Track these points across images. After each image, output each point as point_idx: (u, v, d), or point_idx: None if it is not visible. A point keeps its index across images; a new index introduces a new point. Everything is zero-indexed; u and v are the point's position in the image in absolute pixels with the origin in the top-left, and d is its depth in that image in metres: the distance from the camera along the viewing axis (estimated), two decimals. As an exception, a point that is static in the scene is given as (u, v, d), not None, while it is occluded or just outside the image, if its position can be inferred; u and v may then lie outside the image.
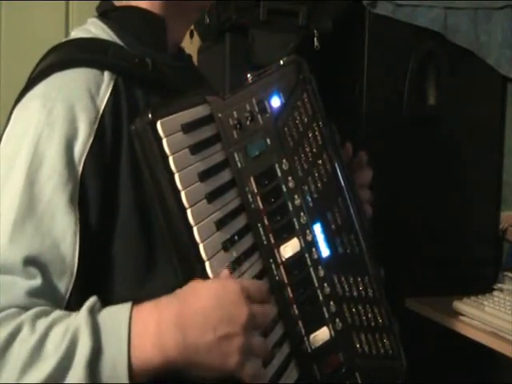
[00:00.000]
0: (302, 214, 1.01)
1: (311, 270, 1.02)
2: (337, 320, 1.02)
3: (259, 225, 1.01)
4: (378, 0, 1.94)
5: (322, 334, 1.02)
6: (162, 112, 0.93)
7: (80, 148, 0.93)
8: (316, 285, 1.02)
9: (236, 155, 1.01)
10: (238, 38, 1.94)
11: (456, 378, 1.97)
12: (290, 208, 1.01)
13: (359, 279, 1.02)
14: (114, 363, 0.82)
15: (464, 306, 1.77)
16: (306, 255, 1.02)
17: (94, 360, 0.81)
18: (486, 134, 2.11)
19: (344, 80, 2.02)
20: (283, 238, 1.01)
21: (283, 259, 1.01)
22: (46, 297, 0.87)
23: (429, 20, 1.97)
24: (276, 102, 1.00)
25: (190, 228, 0.93)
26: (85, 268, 0.91)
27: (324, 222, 1.01)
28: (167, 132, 0.92)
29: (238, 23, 1.92)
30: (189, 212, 0.92)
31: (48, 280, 0.88)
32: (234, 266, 0.95)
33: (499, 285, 1.92)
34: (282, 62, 1.01)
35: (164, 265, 0.95)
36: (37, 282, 0.87)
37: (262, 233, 1.01)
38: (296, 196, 1.01)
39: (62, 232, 0.90)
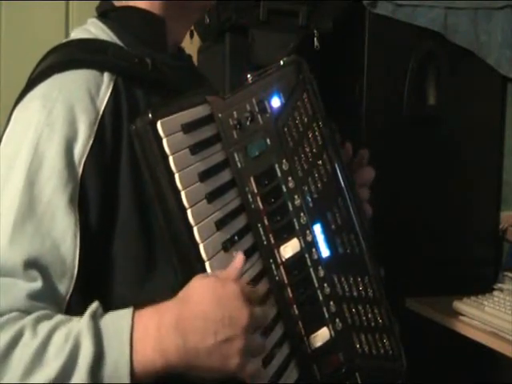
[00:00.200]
0: (301, 214, 1.01)
1: (311, 270, 1.02)
2: (337, 320, 1.02)
3: (259, 225, 1.01)
4: (377, 0, 1.94)
5: (322, 334, 1.02)
6: (162, 112, 0.93)
7: (80, 149, 0.93)
8: (316, 285, 1.02)
9: (236, 155, 1.01)
10: (238, 38, 1.94)
11: (456, 378, 1.97)
12: (290, 208, 1.01)
13: (359, 279, 1.02)
14: (116, 367, 0.82)
15: (464, 305, 1.77)
16: (306, 255, 1.02)
17: (97, 365, 0.81)
18: (486, 134, 2.11)
19: (344, 80, 2.02)
20: (283, 239, 1.01)
21: (283, 259, 1.01)
22: (47, 299, 0.87)
23: (429, 20, 1.97)
24: (276, 102, 1.00)
25: (190, 228, 0.93)
26: (85, 269, 0.91)
27: (324, 222, 1.01)
28: (167, 132, 0.92)
29: (237, 23, 1.92)
30: (189, 212, 0.93)
31: (48, 282, 0.88)
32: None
33: (499, 285, 1.92)
34: (281, 62, 1.01)
35: (164, 265, 0.95)
36: (37, 284, 0.87)
37: (262, 233, 1.01)
38: (296, 196, 1.01)
39: (62, 233, 0.90)
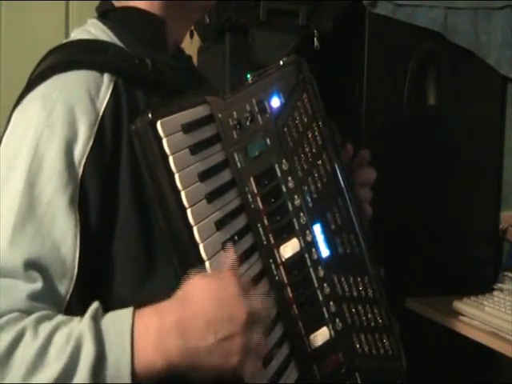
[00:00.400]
0: (301, 214, 1.01)
1: (311, 270, 1.02)
2: (337, 320, 1.02)
3: (259, 225, 1.01)
4: (378, 0, 1.94)
5: (322, 334, 1.02)
6: (162, 112, 0.93)
7: (80, 150, 0.93)
8: (316, 285, 1.02)
9: (236, 155, 1.01)
10: (238, 37, 1.94)
11: (456, 378, 1.97)
12: (290, 208, 1.01)
13: (359, 279, 1.02)
14: (118, 368, 0.82)
15: (464, 305, 1.77)
16: (306, 255, 1.02)
17: (98, 365, 0.81)
18: (486, 134, 2.11)
19: (344, 80, 2.02)
20: (283, 238, 1.01)
21: (283, 259, 1.01)
22: (47, 300, 0.87)
23: (429, 20, 1.97)
24: (276, 102, 1.00)
25: (190, 228, 0.93)
26: (85, 269, 0.91)
27: (324, 222, 1.01)
28: (167, 132, 0.92)
29: (238, 23, 1.92)
30: (189, 212, 0.93)
31: (49, 283, 0.88)
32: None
33: (499, 285, 1.92)
34: (281, 63, 1.01)
35: (164, 265, 0.95)
36: (38, 285, 0.87)
37: (261, 233, 1.01)
38: (296, 196, 1.01)
39: (63, 234, 0.90)
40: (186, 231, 0.93)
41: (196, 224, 0.93)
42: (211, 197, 0.96)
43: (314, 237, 1.01)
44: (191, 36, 2.04)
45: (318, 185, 1.01)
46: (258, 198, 1.01)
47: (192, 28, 1.99)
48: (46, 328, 0.83)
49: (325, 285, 1.02)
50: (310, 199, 1.01)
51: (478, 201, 2.10)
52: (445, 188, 2.03)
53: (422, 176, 2.00)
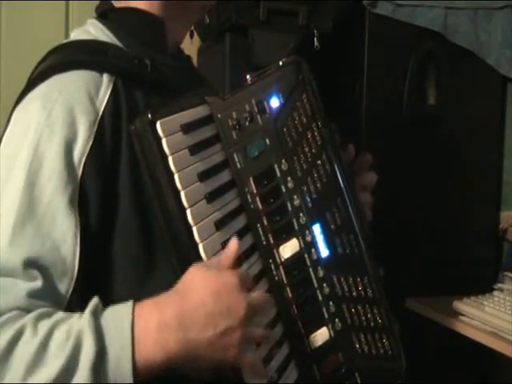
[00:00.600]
0: (301, 214, 1.01)
1: (310, 270, 1.02)
2: (336, 320, 1.02)
3: (258, 225, 1.01)
4: (377, 0, 1.94)
5: (322, 335, 1.02)
6: (161, 112, 0.93)
7: (80, 150, 0.93)
8: (315, 285, 1.02)
9: (235, 156, 1.01)
10: (238, 38, 1.94)
11: (456, 378, 1.97)
12: (290, 208, 1.01)
13: (359, 279, 1.02)
14: (118, 364, 0.83)
15: (464, 305, 1.77)
16: (306, 255, 1.02)
17: (99, 361, 0.82)
18: (486, 134, 2.10)
19: (344, 80, 2.02)
20: (282, 239, 1.01)
21: (282, 259, 1.01)
22: (47, 298, 0.88)
23: (429, 20, 1.97)
24: (275, 102, 1.00)
25: (190, 228, 0.93)
26: (85, 269, 0.91)
27: (323, 222, 1.01)
28: (167, 132, 0.92)
29: (238, 23, 1.92)
30: (188, 212, 0.93)
31: (49, 282, 0.88)
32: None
33: (499, 285, 1.92)
34: (281, 63, 1.01)
35: (163, 265, 0.95)
36: (37, 283, 0.87)
37: (261, 233, 1.01)
38: (295, 196, 1.01)
39: (63, 234, 0.90)
40: (185, 231, 0.93)
41: (196, 224, 0.93)
42: (211, 197, 0.96)
43: (313, 237, 1.02)
44: (191, 36, 2.04)
45: (318, 185, 1.01)
46: (258, 199, 1.01)
47: (192, 28, 1.99)
48: (45, 325, 0.83)
49: (324, 285, 1.02)
50: (309, 199, 1.01)
51: (478, 201, 2.10)
52: (445, 188, 2.03)
53: (422, 176, 2.00)
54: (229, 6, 1.91)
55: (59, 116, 0.93)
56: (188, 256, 0.93)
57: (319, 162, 1.01)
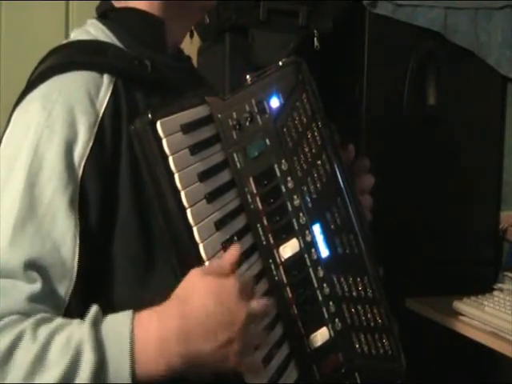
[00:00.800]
0: (301, 214, 1.01)
1: (310, 270, 1.02)
2: (336, 320, 1.02)
3: (258, 225, 1.01)
4: (378, 0, 1.94)
5: (322, 335, 1.02)
6: (161, 112, 0.93)
7: (80, 151, 0.93)
8: (315, 285, 1.02)
9: (235, 156, 1.01)
10: (238, 37, 1.94)
11: (456, 378, 1.97)
12: (290, 208, 1.01)
13: (358, 279, 1.02)
14: (117, 377, 0.83)
15: (464, 305, 1.77)
16: (306, 255, 1.02)
17: (98, 374, 0.82)
18: (486, 134, 2.10)
19: (344, 80, 2.02)
20: (282, 239, 1.01)
21: (282, 259, 1.01)
22: (47, 301, 0.87)
23: (429, 20, 1.97)
24: (275, 102, 1.00)
25: (190, 228, 0.93)
26: (85, 270, 0.91)
27: (323, 222, 1.01)
28: (167, 132, 0.92)
29: (238, 23, 1.92)
30: (188, 212, 0.93)
31: (48, 284, 0.88)
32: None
33: (499, 285, 1.92)
34: (281, 63, 1.01)
35: (163, 265, 0.95)
36: (37, 286, 0.87)
37: (261, 233, 1.01)
38: (295, 196, 1.01)
39: (63, 235, 0.90)
40: (185, 231, 0.93)
41: (196, 224, 0.93)
42: (211, 197, 0.96)
43: (313, 237, 1.02)
44: (191, 36, 2.04)
45: (318, 185, 1.01)
46: (258, 199, 1.01)
47: (192, 28, 1.99)
48: (44, 331, 0.83)
49: (324, 285, 1.02)
50: (309, 199, 1.01)
51: (478, 201, 2.10)
52: (445, 188, 2.03)
53: (422, 176, 2.00)
54: (229, 5, 1.91)
55: (59, 117, 0.93)
56: (188, 256, 0.93)
57: (319, 162, 1.01)
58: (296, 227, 1.01)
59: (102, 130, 0.95)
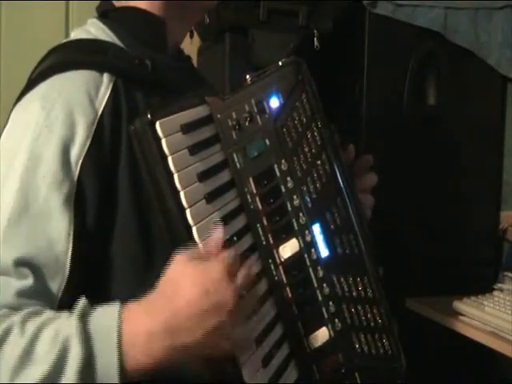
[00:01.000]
0: (300, 214, 1.01)
1: (310, 270, 1.02)
2: (336, 320, 1.02)
3: (258, 225, 1.01)
4: (378, 0, 1.94)
5: (322, 335, 1.02)
6: (161, 112, 0.93)
7: (77, 150, 0.93)
8: (315, 285, 1.02)
9: (235, 156, 1.01)
10: (238, 37, 1.94)
11: (456, 378, 1.97)
12: (289, 208, 1.01)
13: (358, 279, 1.02)
14: (105, 371, 0.83)
15: (464, 305, 1.77)
16: (305, 255, 1.02)
17: (86, 368, 0.82)
18: (486, 134, 2.10)
19: (344, 80, 2.02)
20: (282, 239, 1.01)
21: (282, 259, 1.01)
22: (38, 296, 0.88)
23: (429, 20, 1.97)
24: (275, 102, 1.00)
25: (189, 228, 0.93)
26: (80, 269, 0.91)
27: (323, 222, 1.01)
28: (166, 132, 0.92)
29: (238, 23, 1.92)
30: (188, 212, 0.93)
31: (40, 280, 0.89)
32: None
33: (499, 285, 1.92)
34: (280, 63, 1.01)
35: (162, 265, 0.94)
36: (28, 281, 0.87)
37: (261, 233, 1.01)
38: (295, 196, 1.01)
39: (56, 232, 0.90)
40: (185, 231, 0.93)
41: (195, 224, 0.93)
42: (210, 197, 0.96)
43: (313, 237, 1.01)
44: (191, 36, 2.03)
45: (317, 185, 1.01)
46: (257, 199, 1.01)
47: (192, 28, 1.99)
48: (33, 325, 0.83)
49: (324, 285, 1.02)
50: (309, 199, 1.01)
51: (477, 201, 2.10)
52: (445, 188, 2.03)
53: (422, 176, 2.00)
54: (229, 5, 1.91)
55: (58, 116, 0.93)
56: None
57: (319, 162, 1.01)
58: (296, 227, 1.01)
59: (101, 129, 0.95)
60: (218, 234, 0.91)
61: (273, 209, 1.01)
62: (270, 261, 1.01)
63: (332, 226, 1.02)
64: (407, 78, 1.97)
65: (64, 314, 0.86)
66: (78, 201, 0.93)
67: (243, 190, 1.01)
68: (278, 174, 1.01)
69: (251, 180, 1.01)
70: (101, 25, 1.08)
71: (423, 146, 2.00)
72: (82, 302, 0.87)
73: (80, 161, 0.93)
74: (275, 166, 1.01)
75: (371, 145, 1.92)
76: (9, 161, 0.93)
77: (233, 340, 0.89)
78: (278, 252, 1.01)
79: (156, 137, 0.91)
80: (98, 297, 0.89)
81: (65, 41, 1.08)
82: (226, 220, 0.97)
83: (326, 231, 1.02)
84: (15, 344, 0.82)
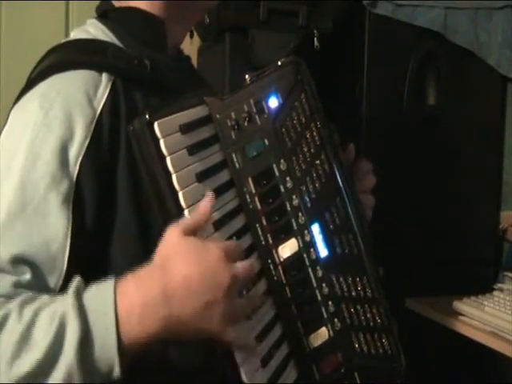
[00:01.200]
0: (300, 214, 1.01)
1: (309, 270, 1.02)
2: (335, 320, 1.02)
3: (257, 225, 1.01)
4: (378, 0, 1.94)
5: (321, 334, 1.02)
6: (159, 113, 0.93)
7: (76, 149, 0.93)
8: (314, 285, 1.02)
9: (234, 156, 1.01)
10: (238, 37, 1.94)
11: (456, 378, 1.97)
12: (288, 208, 1.01)
13: (358, 279, 1.02)
14: (104, 343, 0.83)
15: (464, 306, 1.77)
16: (305, 255, 1.02)
17: (84, 342, 0.82)
18: (486, 134, 2.10)
19: (344, 80, 2.02)
20: (281, 239, 1.01)
21: (281, 259, 1.01)
22: (34, 290, 0.88)
23: (429, 20, 1.97)
24: (274, 102, 1.00)
25: (189, 228, 0.93)
26: (78, 268, 0.91)
27: (322, 222, 1.01)
28: (165, 133, 0.92)
29: (238, 23, 1.92)
30: (187, 212, 0.93)
31: (37, 277, 0.89)
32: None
33: (499, 285, 1.92)
34: (279, 63, 1.01)
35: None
36: (25, 277, 0.88)
37: (260, 233, 1.01)
38: (294, 196, 1.01)
39: (54, 231, 0.91)
40: (184, 231, 0.93)
41: (194, 224, 0.93)
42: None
43: (312, 237, 1.02)
44: (191, 36, 2.04)
45: (317, 185, 1.01)
46: (257, 199, 1.01)
47: (192, 28, 1.99)
48: (30, 310, 0.84)
49: (323, 285, 1.02)
50: (308, 199, 1.01)
51: (477, 201, 2.10)
52: (445, 188, 2.03)
53: (422, 176, 2.00)
54: (229, 5, 1.91)
55: (57, 116, 0.93)
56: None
57: (318, 161, 1.01)
58: (295, 227, 1.01)
59: (100, 128, 0.95)
60: (208, 201, 0.91)
61: (272, 209, 1.01)
62: (269, 261, 1.01)
63: (331, 226, 1.02)
64: (407, 78, 1.97)
65: (59, 297, 0.86)
66: (77, 200, 0.93)
67: (242, 190, 1.01)
68: (277, 173, 1.01)
69: (250, 180, 1.01)
70: (100, 25, 1.08)
71: (423, 146, 2.00)
72: (77, 279, 0.87)
73: (79, 160, 0.93)
74: (274, 165, 1.01)
75: (371, 145, 1.92)
76: (8, 161, 0.93)
77: (232, 339, 0.89)
78: (277, 252, 1.01)
79: (154, 137, 0.91)
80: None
81: (64, 41, 1.08)
82: (225, 220, 0.97)
83: (325, 231, 1.02)
84: (13, 330, 0.82)
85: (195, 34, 2.09)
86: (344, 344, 1.02)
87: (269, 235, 1.01)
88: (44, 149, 0.92)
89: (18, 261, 0.88)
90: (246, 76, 1.01)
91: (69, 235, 0.91)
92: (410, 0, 1.96)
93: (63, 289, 0.89)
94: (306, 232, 1.01)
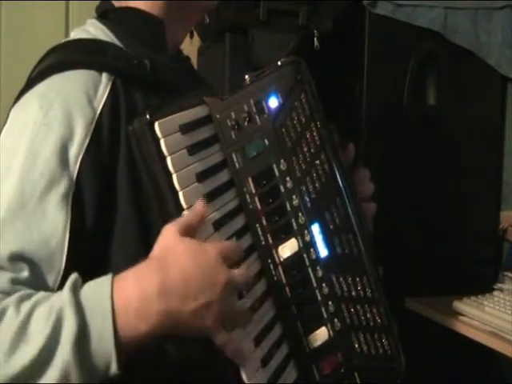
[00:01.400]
0: (300, 214, 1.01)
1: (309, 270, 1.02)
2: (335, 320, 1.02)
3: (257, 225, 1.01)
4: (377, 0, 1.94)
5: (321, 334, 1.02)
6: (160, 113, 0.93)
7: (76, 149, 0.93)
8: (314, 285, 1.02)
9: (234, 156, 1.01)
10: (238, 37, 1.94)
11: (456, 378, 1.97)
12: (288, 208, 1.01)
13: (357, 279, 1.02)
14: (100, 338, 0.83)
15: (464, 306, 1.77)
16: (305, 255, 1.02)
17: (81, 337, 0.82)
18: (486, 134, 2.10)
19: (344, 80, 2.02)
20: (281, 239, 1.01)
21: (281, 259, 1.01)
22: (32, 287, 0.88)
23: (429, 20, 1.97)
24: (274, 102, 1.00)
25: (189, 228, 0.93)
26: (77, 267, 0.91)
27: (322, 222, 1.01)
28: (165, 133, 0.92)
29: (238, 23, 1.92)
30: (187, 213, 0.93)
31: (35, 275, 0.89)
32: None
33: (499, 285, 1.92)
34: (279, 63, 1.01)
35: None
36: (23, 274, 0.88)
37: (260, 233, 1.01)
38: (294, 196, 1.01)
39: (53, 229, 0.91)
40: (184, 231, 0.93)
41: (194, 224, 0.93)
42: (209, 197, 0.96)
43: (312, 237, 1.01)
44: (191, 36, 2.03)
45: (317, 185, 1.01)
46: (257, 199, 1.01)
47: (192, 28, 1.99)
48: (27, 305, 0.84)
49: (323, 285, 1.02)
50: (308, 199, 1.01)
51: (477, 201, 2.10)
52: (445, 188, 2.03)
53: (422, 176, 2.00)
54: (229, 5, 1.91)
55: (56, 116, 0.93)
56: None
57: (318, 161, 1.01)
58: (295, 227, 1.01)
59: (100, 128, 0.95)
60: (200, 206, 0.92)
61: (272, 209, 1.01)
62: (269, 261, 1.01)
63: (331, 226, 1.02)
64: (407, 78, 1.97)
65: (56, 293, 0.87)
66: (77, 200, 0.93)
67: (242, 190, 1.01)
68: (277, 173, 1.01)
69: (250, 180, 1.01)
70: (100, 25, 1.08)
71: (423, 146, 2.00)
72: (74, 276, 0.87)
73: (78, 160, 0.93)
74: (274, 165, 1.01)
75: (371, 145, 1.92)
76: (8, 160, 0.93)
77: (223, 343, 0.89)
78: (277, 252, 1.01)
79: (155, 137, 0.91)
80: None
81: (64, 41, 1.08)
82: (225, 220, 0.97)
83: (325, 231, 1.02)
84: (10, 325, 0.82)
85: (195, 34, 2.09)
86: (344, 344, 1.02)
87: (269, 235, 1.01)
88: (44, 148, 0.92)
89: (17, 258, 0.88)
90: (246, 76, 1.01)
91: (67, 232, 0.91)
92: (410, 0, 1.96)
93: (62, 288, 0.89)
94: (305, 232, 1.01)
